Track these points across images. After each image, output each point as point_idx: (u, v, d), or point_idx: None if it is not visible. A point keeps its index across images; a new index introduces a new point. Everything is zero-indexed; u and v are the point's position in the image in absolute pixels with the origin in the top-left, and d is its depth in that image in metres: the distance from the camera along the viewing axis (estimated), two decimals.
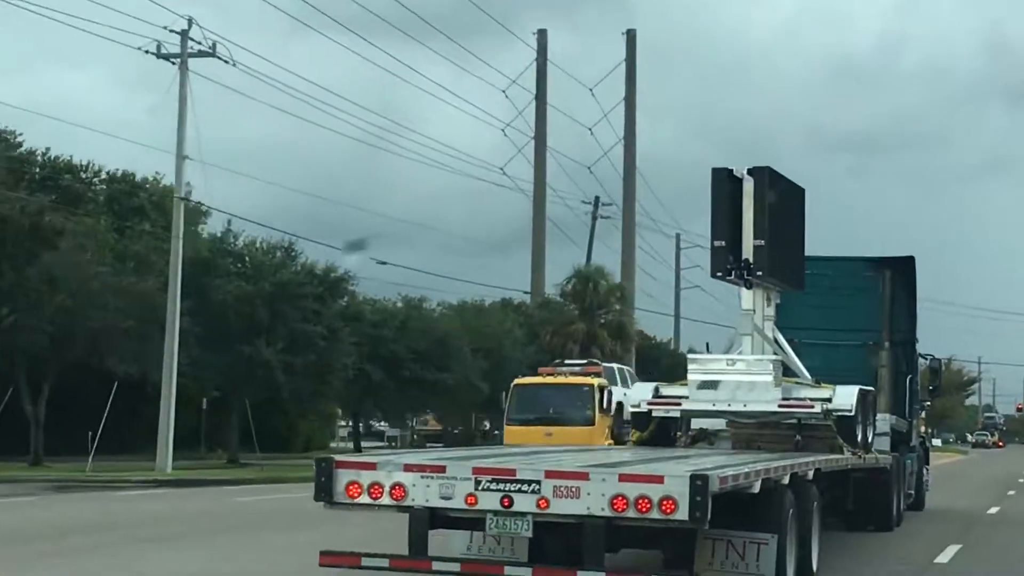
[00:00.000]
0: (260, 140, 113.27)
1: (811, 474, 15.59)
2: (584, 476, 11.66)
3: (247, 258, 54.83)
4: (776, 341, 20.50)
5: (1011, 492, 38.30)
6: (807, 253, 26.81)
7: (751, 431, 20.94)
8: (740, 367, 19.05)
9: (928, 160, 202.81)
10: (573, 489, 11.62)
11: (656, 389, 19.89)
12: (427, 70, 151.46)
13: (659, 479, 11.54)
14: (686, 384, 19.42)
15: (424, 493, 11.93)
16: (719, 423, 21.08)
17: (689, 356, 19.59)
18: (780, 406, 19.00)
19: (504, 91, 78.53)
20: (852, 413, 18.95)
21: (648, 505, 11.47)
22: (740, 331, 19.88)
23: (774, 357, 19.19)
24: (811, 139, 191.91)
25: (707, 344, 20.91)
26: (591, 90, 79.65)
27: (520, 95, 78.77)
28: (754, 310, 19.86)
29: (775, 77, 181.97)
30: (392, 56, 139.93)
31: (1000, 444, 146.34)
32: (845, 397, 18.99)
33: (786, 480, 14.21)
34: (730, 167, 19.60)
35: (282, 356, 51.99)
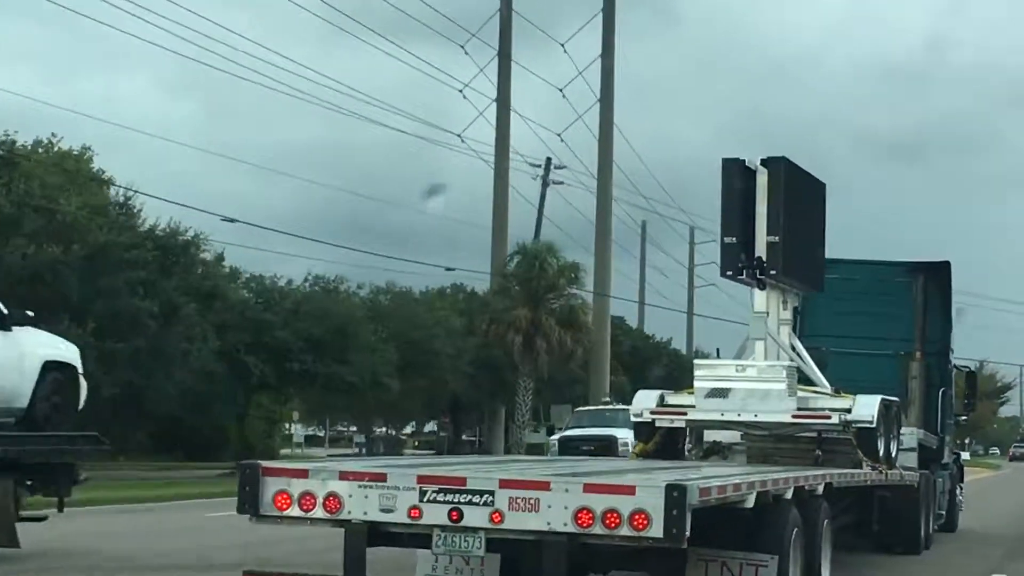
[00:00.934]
0: None
1: (820, 489, 13.95)
2: (544, 486, 10.09)
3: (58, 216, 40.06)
4: (793, 347, 18.86)
5: None
6: (837, 256, 25.49)
7: (768, 445, 19.34)
8: (751, 374, 17.41)
9: (974, 165, 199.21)
10: (531, 501, 10.06)
11: (661, 397, 18.27)
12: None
13: (630, 490, 9.95)
14: (693, 392, 17.80)
15: (362, 505, 10.37)
16: (734, 436, 19.51)
17: (696, 362, 17.98)
18: (794, 417, 17.35)
19: (463, 46, 64.27)
20: (873, 425, 17.27)
21: (617, 520, 9.89)
22: (752, 335, 18.22)
23: (788, 364, 17.55)
24: (856, 143, 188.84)
25: (717, 349, 19.30)
26: (563, 45, 67.30)
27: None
28: (767, 312, 18.20)
29: (820, 79, 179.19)
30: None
31: None
32: (866, 408, 17.31)
33: (789, 495, 12.57)
34: (743, 158, 18.03)
35: (98, 340, 37.34)
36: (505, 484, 10.13)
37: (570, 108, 67.50)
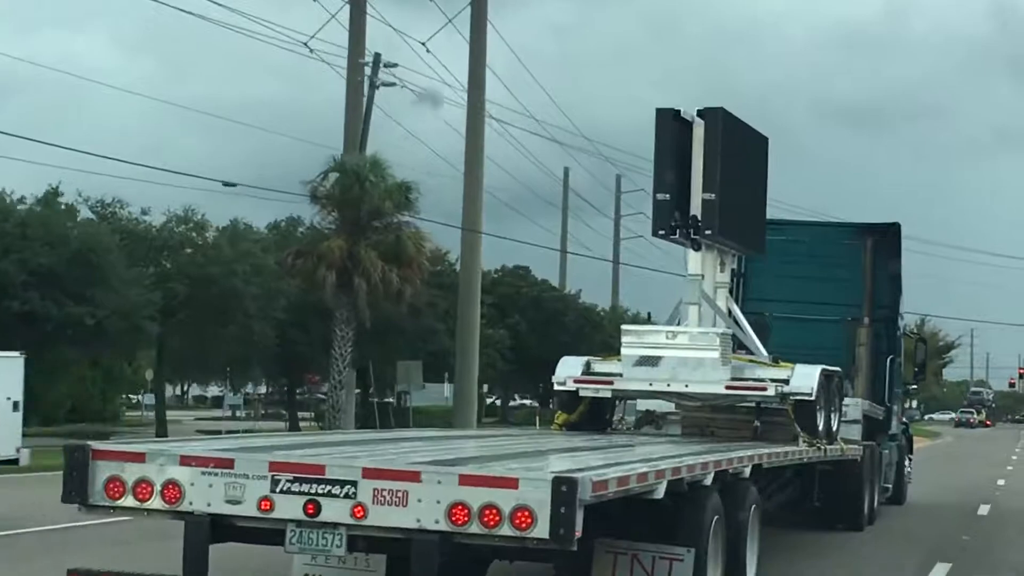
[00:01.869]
0: None
1: (747, 471, 12.52)
2: (414, 476, 8.59)
3: None
4: (730, 313, 17.44)
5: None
6: (784, 217, 24.16)
7: (704, 415, 17.95)
8: (682, 341, 15.96)
9: (933, 132, 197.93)
10: (399, 494, 8.56)
11: (587, 364, 16.82)
12: None
13: (511, 483, 8.47)
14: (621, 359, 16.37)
15: (205, 495, 8.85)
16: (668, 405, 18.10)
17: (624, 327, 16.52)
18: (728, 388, 15.93)
19: None
20: (812, 397, 15.86)
21: (496, 518, 8.41)
22: (685, 299, 16.79)
23: (722, 330, 16.10)
24: (817, 109, 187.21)
25: (648, 314, 17.85)
26: None
27: None
28: (702, 275, 16.75)
29: (782, 45, 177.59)
30: None
31: (988, 423, 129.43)
32: (804, 379, 15.90)
33: (709, 480, 11.14)
34: (677, 108, 16.54)
35: None
36: (369, 473, 8.63)
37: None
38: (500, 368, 61.47)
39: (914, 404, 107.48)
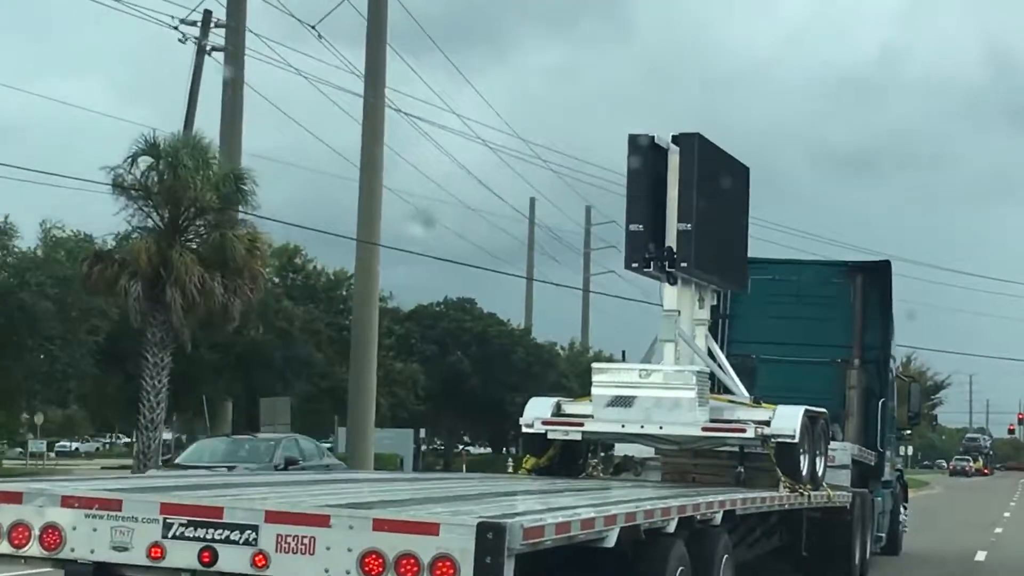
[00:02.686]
0: None
1: (718, 518, 11.40)
2: (322, 521, 7.51)
3: None
4: (710, 352, 16.37)
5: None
6: (770, 256, 23.09)
7: (685, 460, 16.88)
8: (656, 380, 14.87)
9: (928, 178, 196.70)
10: (305, 540, 7.47)
11: (557, 405, 15.74)
12: None
13: (431, 528, 7.37)
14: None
15: (89, 540, 7.77)
16: (648, 450, 17.02)
17: (595, 366, 15.43)
18: (704, 429, 14.83)
19: None
20: (795, 440, 14.76)
21: (415, 569, 7.32)
22: (661, 336, 15.68)
23: (699, 369, 15.01)
24: (811, 154, 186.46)
25: (623, 352, 16.74)
26: None
27: None
28: (679, 311, 15.67)
29: (776, 90, 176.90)
30: None
31: (986, 471, 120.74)
32: (786, 420, 14.81)
33: (672, 527, 10.02)
34: (651, 134, 15.52)
35: None
36: (272, 517, 7.54)
37: None
38: (411, 408, 53.66)
39: (909, 451, 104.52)
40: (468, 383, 58.17)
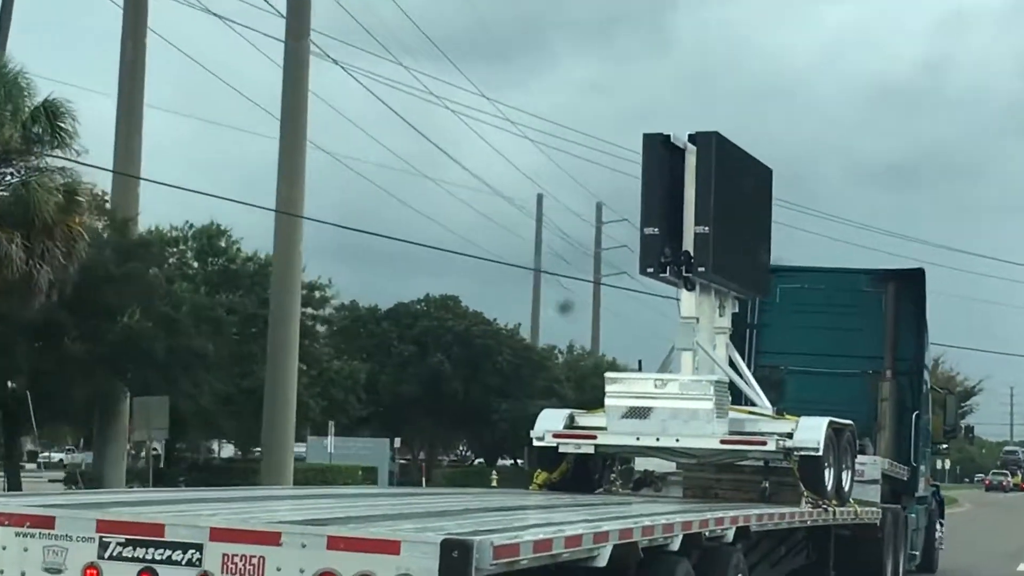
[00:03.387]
0: None
1: (731, 535, 10.56)
2: (273, 539, 6.74)
3: None
4: (731, 362, 15.53)
5: None
6: (799, 264, 22.20)
7: (707, 476, 16.03)
8: (672, 390, 14.04)
9: (968, 191, 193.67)
10: (254, 560, 6.71)
11: (571, 417, 14.93)
12: None
13: (392, 547, 6.59)
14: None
15: (19, 561, 7.03)
16: (669, 465, 16.19)
17: (608, 375, 14.61)
18: (723, 442, 13.98)
19: None
20: (819, 453, 13.89)
21: None
22: (678, 345, 14.87)
23: (717, 378, 14.16)
24: (849, 168, 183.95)
25: (639, 362, 15.93)
26: None
27: None
28: (697, 319, 14.85)
29: (813, 103, 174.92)
30: None
31: None
32: (809, 432, 13.95)
33: (676, 545, 9.19)
34: (667, 132, 14.73)
35: None
36: (218, 535, 6.78)
37: None
38: (353, 414, 47.26)
39: (947, 465, 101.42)
40: (449, 387, 52.70)
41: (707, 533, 9.95)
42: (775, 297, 20.61)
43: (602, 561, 7.93)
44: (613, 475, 16.60)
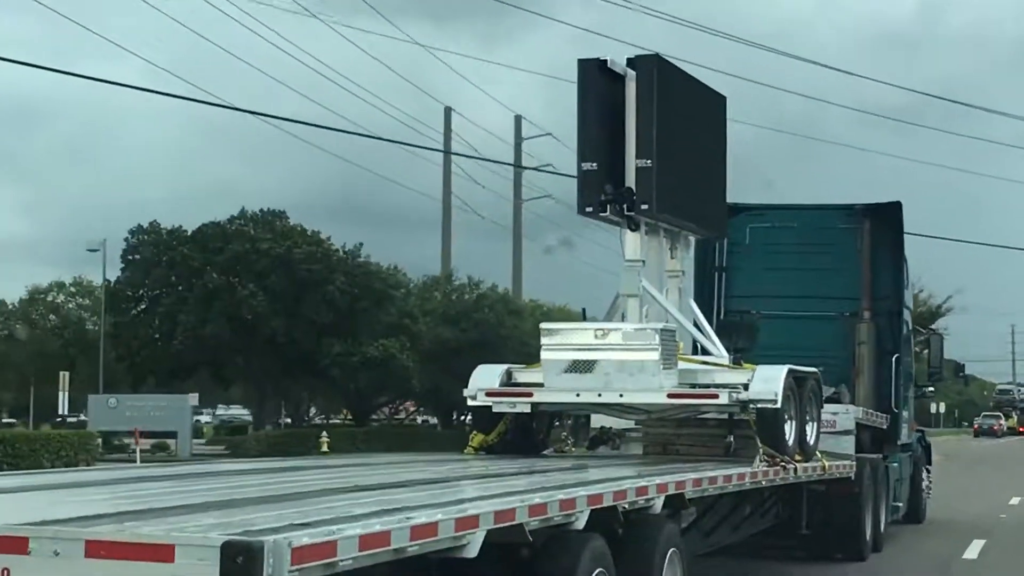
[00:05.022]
0: None
1: (658, 505, 9.08)
2: (19, 546, 5.25)
3: None
4: (685, 309, 14.03)
5: None
6: (769, 202, 20.67)
7: (667, 431, 14.57)
8: (614, 340, 12.54)
9: (974, 131, 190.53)
10: None
11: (508, 374, 13.46)
12: None
13: (165, 553, 5.11)
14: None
15: None
16: (628, 421, 14.75)
17: (543, 326, 13.09)
18: (670, 396, 12.50)
19: None
20: (777, 405, 12.41)
21: None
22: (622, 290, 13.37)
23: (663, 326, 12.65)
24: (852, 111, 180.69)
25: (583, 310, 14.40)
26: None
27: None
28: (643, 262, 13.34)
29: (814, 47, 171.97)
30: None
31: (1022, 429, 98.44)
32: (766, 382, 12.47)
33: (581, 523, 7.72)
34: (605, 57, 13.15)
35: None
36: None
37: None
38: (145, 364, 42.71)
39: (941, 408, 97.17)
40: (265, 326, 42.36)
41: (626, 506, 8.46)
42: (744, 238, 19.17)
43: (472, 551, 6.47)
44: (564, 434, 15.18)
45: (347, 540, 5.44)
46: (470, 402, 13.30)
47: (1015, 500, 26.34)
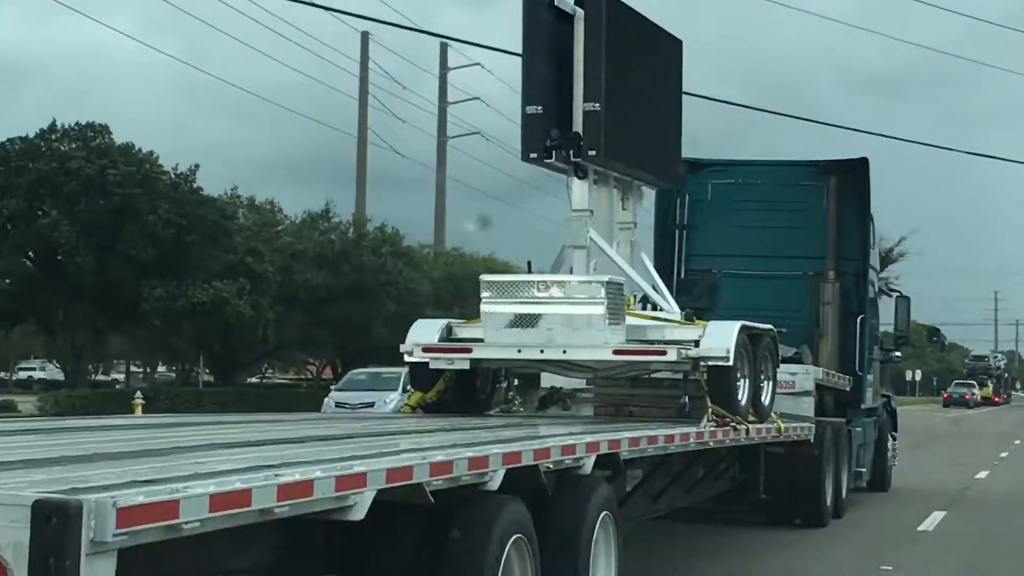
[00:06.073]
0: None
1: (588, 465, 8.35)
2: None
3: None
4: (637, 264, 13.32)
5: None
6: (733, 158, 19.98)
7: (621, 391, 13.94)
8: (556, 294, 11.81)
9: (961, 99, 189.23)
10: None
11: (448, 329, 12.72)
12: None
13: None
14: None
15: None
16: (579, 381, 14.08)
17: (483, 278, 12.33)
18: (616, 353, 11.78)
19: None
20: (729, 363, 11.71)
21: None
22: (568, 242, 12.63)
23: (609, 278, 11.91)
24: (840, 78, 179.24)
25: (529, 263, 13.64)
26: None
27: None
28: (591, 211, 12.60)
29: (802, 12, 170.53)
30: None
31: (997, 399, 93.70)
32: (717, 339, 11.76)
33: (495, 483, 7.00)
34: None
35: None
36: None
37: None
38: None
39: (917, 376, 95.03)
40: (72, 262, 34.84)
41: (550, 466, 7.75)
42: (706, 194, 18.51)
43: (359, 513, 5.75)
44: (512, 393, 14.47)
45: (193, 499, 4.70)
46: (407, 359, 12.56)
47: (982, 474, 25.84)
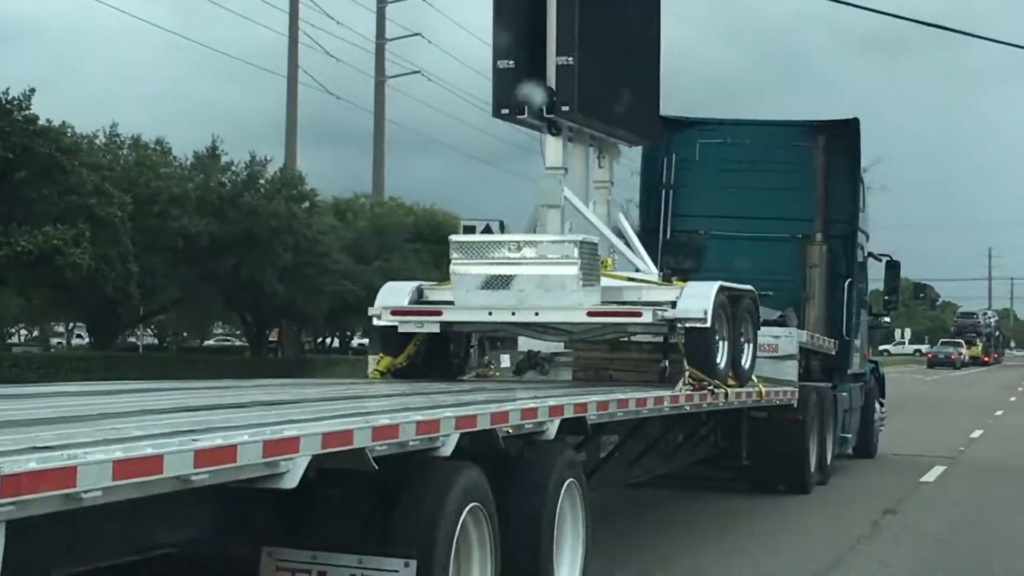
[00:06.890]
0: None
1: (552, 430, 7.99)
2: None
3: None
4: (615, 225, 12.94)
5: None
6: (720, 117, 19.54)
7: (600, 355, 13.58)
8: (528, 254, 11.42)
9: (961, 58, 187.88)
10: None
11: (418, 291, 12.34)
12: None
13: None
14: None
15: None
16: (557, 344, 13.72)
17: (452, 239, 11.94)
18: (590, 315, 11.41)
19: None
20: (707, 324, 11.32)
21: None
22: (540, 200, 12.24)
23: (583, 238, 11.52)
24: (838, 38, 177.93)
25: (501, 223, 13.23)
26: None
27: None
28: (565, 170, 12.21)
29: None
30: None
31: (987, 359, 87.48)
32: (695, 300, 11.37)
33: (448, 449, 6.63)
34: None
35: None
36: None
37: None
38: None
39: (907, 335, 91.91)
40: None
41: (509, 431, 7.38)
42: (694, 154, 18.11)
43: (291, 481, 5.38)
44: (486, 357, 14.09)
45: (93, 466, 4.33)
46: (375, 322, 12.19)
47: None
